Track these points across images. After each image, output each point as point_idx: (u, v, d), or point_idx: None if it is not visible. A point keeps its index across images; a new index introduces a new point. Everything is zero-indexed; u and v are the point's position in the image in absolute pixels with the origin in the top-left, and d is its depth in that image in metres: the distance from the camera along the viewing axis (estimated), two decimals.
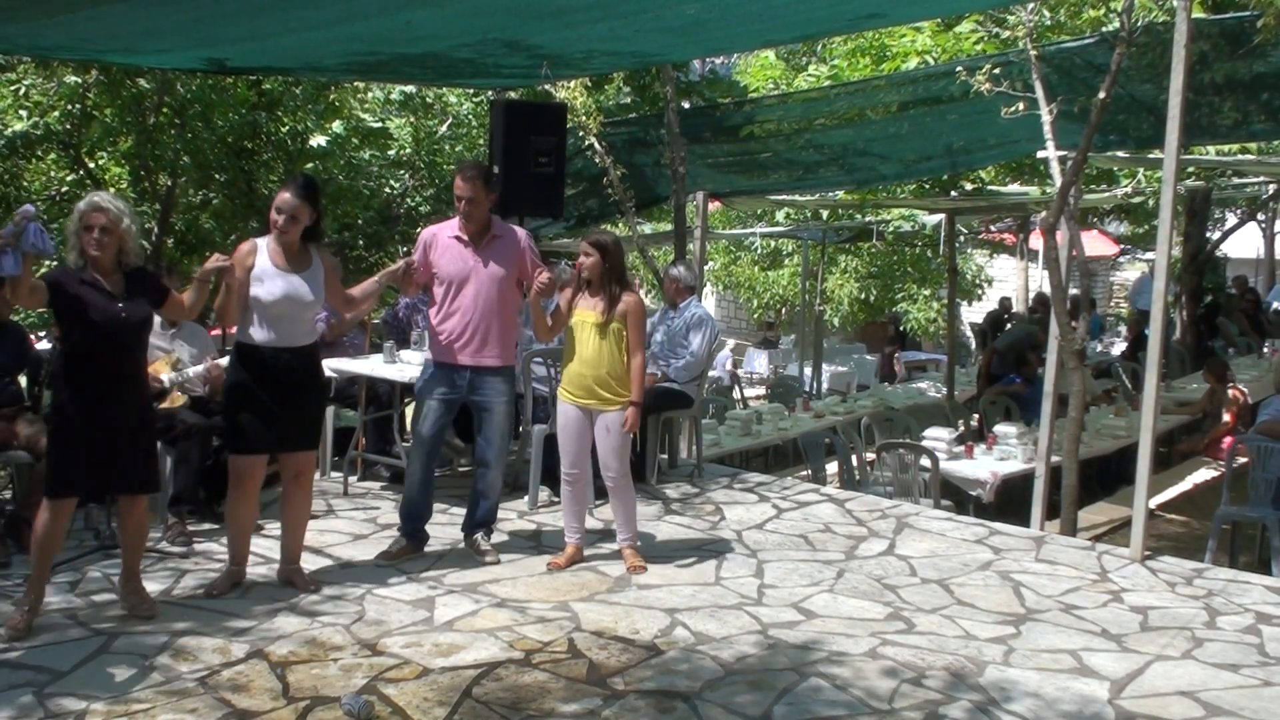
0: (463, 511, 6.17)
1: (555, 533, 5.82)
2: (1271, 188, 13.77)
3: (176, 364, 5.83)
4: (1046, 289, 10.97)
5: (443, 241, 5.32)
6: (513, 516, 6.16)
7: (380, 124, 11.58)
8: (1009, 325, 17.12)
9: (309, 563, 5.22)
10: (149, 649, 4.15)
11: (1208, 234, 15.64)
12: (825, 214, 14.15)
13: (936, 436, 8.52)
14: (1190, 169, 10.13)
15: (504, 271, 5.29)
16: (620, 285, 5.20)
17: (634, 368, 5.19)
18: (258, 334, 4.71)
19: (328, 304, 5.08)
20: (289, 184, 4.83)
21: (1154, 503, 7.90)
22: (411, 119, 11.79)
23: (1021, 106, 6.60)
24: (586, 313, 5.20)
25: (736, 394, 14.11)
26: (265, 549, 5.39)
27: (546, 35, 6.39)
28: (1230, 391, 9.89)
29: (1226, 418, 9.52)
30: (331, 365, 6.63)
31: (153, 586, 4.84)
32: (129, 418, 4.36)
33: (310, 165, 10.56)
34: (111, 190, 10.53)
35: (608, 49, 6.98)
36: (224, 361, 6.05)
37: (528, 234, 5.51)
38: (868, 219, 14.02)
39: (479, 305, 5.25)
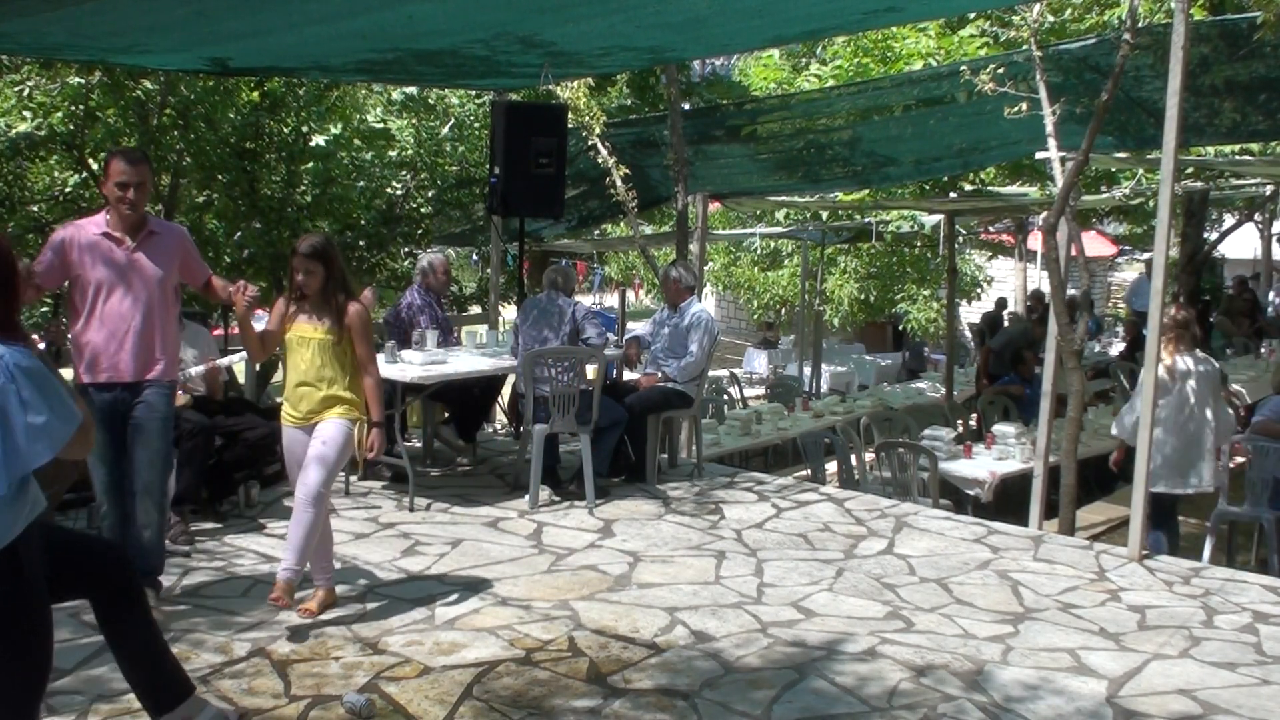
0: (462, 512, 6.23)
1: (556, 531, 5.86)
2: (1269, 189, 13.78)
3: (179, 364, 5.86)
4: (1046, 289, 10.99)
5: (86, 240, 4.50)
6: (513, 516, 6.18)
7: (382, 124, 11.59)
8: (1006, 325, 17.15)
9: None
10: None
11: (1205, 234, 15.65)
12: (825, 215, 14.18)
13: (935, 436, 8.56)
14: (1189, 170, 10.15)
15: (163, 273, 4.59)
16: (345, 294, 4.53)
17: (369, 387, 4.57)
18: None
19: None
20: None
21: None
22: (413, 120, 11.80)
23: (1025, 106, 6.62)
24: (306, 328, 4.53)
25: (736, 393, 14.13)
26: (268, 547, 5.43)
27: (553, 31, 6.38)
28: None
29: None
30: None
31: None
32: None
33: (311, 165, 10.58)
34: None
35: (623, 45, 6.96)
36: (224, 361, 6.10)
37: (186, 231, 4.89)
38: (867, 219, 14.04)
39: (137, 312, 4.52)
